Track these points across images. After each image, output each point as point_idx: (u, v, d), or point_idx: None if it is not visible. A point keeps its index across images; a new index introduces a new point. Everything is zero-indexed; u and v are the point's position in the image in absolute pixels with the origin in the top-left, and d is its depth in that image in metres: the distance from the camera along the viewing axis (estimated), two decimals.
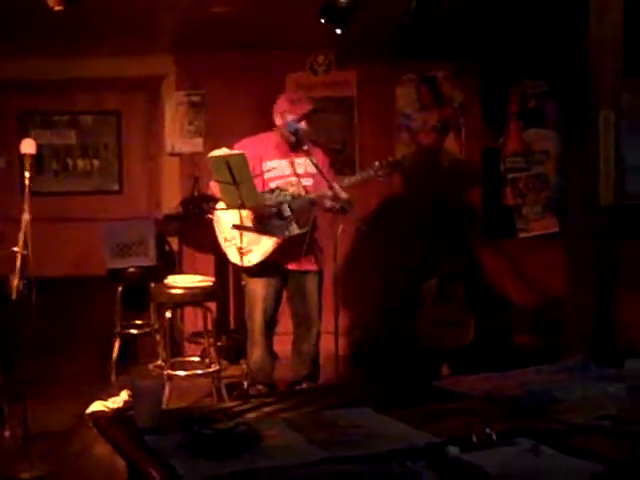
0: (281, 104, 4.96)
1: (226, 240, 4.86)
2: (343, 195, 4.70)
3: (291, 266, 4.91)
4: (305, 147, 4.77)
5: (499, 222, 6.65)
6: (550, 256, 6.47)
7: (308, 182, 4.90)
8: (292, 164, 4.91)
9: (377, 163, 4.95)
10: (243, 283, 4.90)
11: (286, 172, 4.90)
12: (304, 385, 5.02)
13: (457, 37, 5.91)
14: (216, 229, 4.97)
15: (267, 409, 2.77)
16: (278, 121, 4.92)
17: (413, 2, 4.72)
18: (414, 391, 3.02)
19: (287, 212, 4.76)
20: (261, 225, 4.73)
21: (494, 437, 2.30)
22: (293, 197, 4.79)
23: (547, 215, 6.59)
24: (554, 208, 6.58)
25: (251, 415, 2.69)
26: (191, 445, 2.35)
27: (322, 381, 5.14)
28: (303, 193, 4.83)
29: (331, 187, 4.64)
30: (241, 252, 4.57)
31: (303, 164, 4.89)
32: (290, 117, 4.84)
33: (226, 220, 4.82)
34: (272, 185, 4.85)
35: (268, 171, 4.85)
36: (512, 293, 6.57)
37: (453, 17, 5.39)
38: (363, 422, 2.55)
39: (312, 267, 4.96)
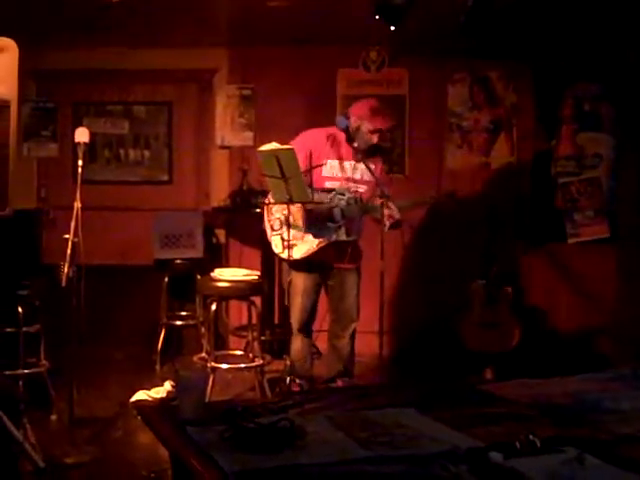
0: (362, 108, 4.87)
1: (273, 229, 4.86)
2: (397, 215, 4.67)
3: (332, 263, 4.90)
4: (355, 145, 4.76)
5: (549, 226, 6.56)
6: (600, 261, 6.38)
7: (362, 189, 4.87)
8: (351, 167, 4.87)
9: (433, 194, 4.94)
10: (289, 279, 4.90)
11: (340, 174, 4.86)
12: (339, 382, 5.00)
13: (511, 37, 5.85)
14: (265, 217, 4.95)
15: (310, 405, 2.77)
16: (354, 122, 4.83)
17: (469, 0, 4.68)
18: (458, 394, 3.00)
19: (339, 217, 4.75)
20: (310, 223, 4.73)
21: (538, 444, 2.27)
22: (348, 203, 4.78)
23: (598, 220, 6.49)
24: (606, 213, 6.48)
25: (294, 411, 2.69)
26: (233, 438, 2.36)
27: (365, 380, 5.13)
28: (358, 200, 4.82)
29: (388, 206, 4.60)
30: (286, 245, 4.59)
31: (360, 170, 4.85)
32: (366, 125, 4.79)
33: (277, 210, 4.82)
34: (327, 184, 4.84)
35: (322, 166, 4.83)
36: (561, 298, 6.48)
37: (507, 16, 5.33)
38: (406, 423, 2.54)
39: (352, 265, 4.94)
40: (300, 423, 2.48)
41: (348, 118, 4.83)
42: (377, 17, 4.82)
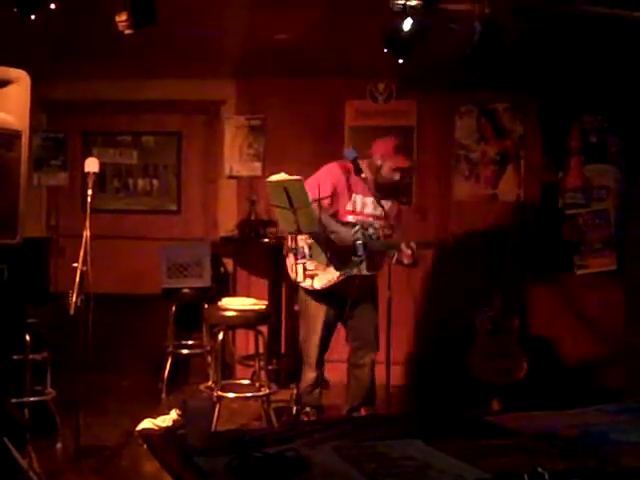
0: (386, 146, 4.94)
1: (296, 258, 4.87)
2: (415, 254, 4.73)
3: (352, 296, 4.90)
4: (363, 176, 4.80)
5: (557, 257, 6.56)
6: (608, 294, 6.37)
7: (378, 224, 4.91)
8: (371, 203, 4.90)
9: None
10: (296, 308, 4.91)
11: (365, 209, 4.91)
12: (362, 411, 5.01)
13: (518, 70, 5.89)
14: (287, 245, 4.97)
15: (317, 436, 2.76)
16: (376, 160, 4.91)
17: (476, 35, 4.71)
18: (465, 425, 2.99)
19: (361, 252, 4.77)
20: (332, 255, 4.76)
21: (546, 477, 2.25)
22: (371, 238, 4.81)
23: (606, 252, 6.49)
24: (614, 245, 6.48)
25: (301, 441, 2.69)
26: (240, 468, 2.36)
27: (373, 411, 5.11)
28: (380, 236, 4.85)
29: (410, 246, 4.68)
30: (309, 274, 4.62)
31: (379, 207, 4.88)
32: (389, 164, 4.86)
33: (302, 239, 4.83)
34: (349, 218, 4.86)
35: (347, 201, 4.87)
36: (568, 329, 6.46)
37: (514, 50, 5.37)
38: (414, 454, 2.53)
39: (371, 298, 4.99)
40: (307, 453, 2.48)
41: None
42: (385, 50, 4.86)
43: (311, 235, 4.70)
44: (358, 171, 4.84)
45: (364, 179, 4.81)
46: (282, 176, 4.67)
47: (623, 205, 6.49)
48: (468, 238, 6.08)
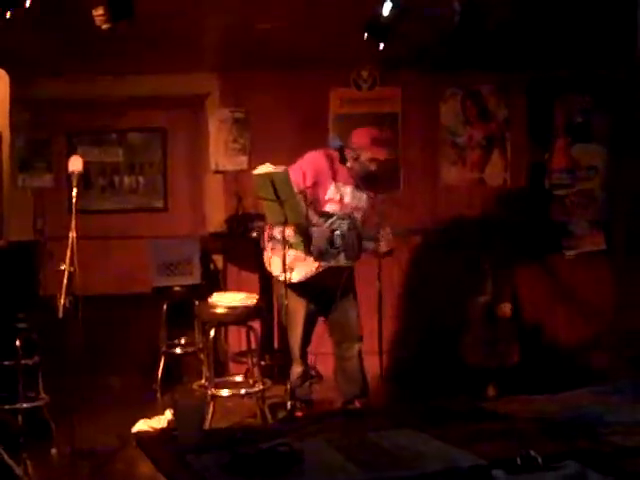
0: (363, 137, 4.91)
1: (272, 250, 4.84)
2: (392, 243, 4.72)
3: (331, 287, 4.87)
4: (349, 165, 4.77)
5: (545, 239, 6.55)
6: (597, 274, 6.38)
7: (358, 214, 4.91)
8: (349, 192, 4.89)
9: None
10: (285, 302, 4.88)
11: (343, 198, 4.88)
12: (357, 403, 4.97)
13: (503, 49, 5.86)
14: (265, 237, 4.94)
15: (309, 429, 2.74)
16: (354, 149, 4.87)
17: (456, 16, 4.70)
18: (459, 412, 2.97)
19: (338, 242, 4.75)
20: (311, 245, 4.73)
21: (540, 460, 2.24)
22: (349, 229, 4.78)
23: (594, 232, 6.49)
24: (601, 225, 6.48)
25: (293, 435, 2.67)
26: (233, 465, 2.34)
27: (367, 400, 5.09)
28: (358, 226, 4.83)
29: (386, 232, 4.66)
30: (286, 267, 4.58)
31: (357, 196, 4.89)
32: (365, 154, 4.83)
33: (279, 231, 4.80)
34: (327, 207, 4.84)
35: (327, 189, 4.84)
36: (558, 311, 6.46)
37: (499, 29, 5.35)
38: (407, 443, 2.51)
39: (350, 288, 4.97)
40: (299, 447, 2.45)
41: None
42: (366, 35, 4.84)
43: (298, 226, 4.66)
44: (343, 160, 4.83)
45: (349, 168, 4.79)
46: (267, 167, 4.66)
47: (610, 185, 6.48)
48: (456, 223, 6.08)
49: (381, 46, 4.91)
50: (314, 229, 4.71)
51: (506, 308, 5.88)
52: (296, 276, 4.75)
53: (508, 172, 6.62)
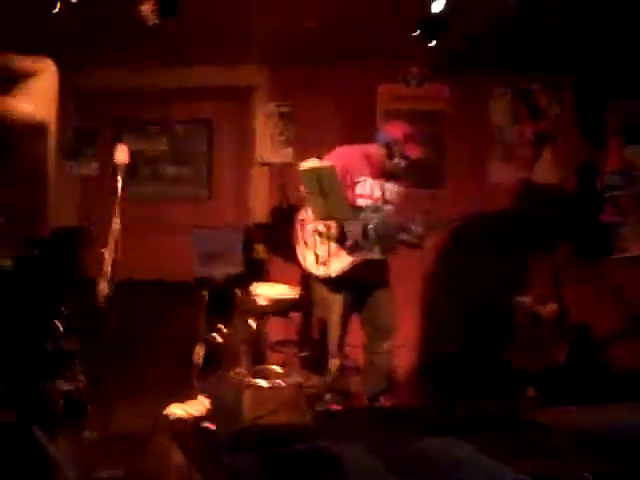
0: (396, 131, 4.88)
1: (306, 245, 4.84)
2: (422, 236, 4.72)
3: (366, 281, 4.85)
4: (396, 162, 4.75)
5: (595, 240, 6.43)
6: None
7: (389, 209, 4.88)
8: (381, 187, 4.87)
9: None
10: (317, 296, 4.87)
11: (374, 193, 4.87)
12: (381, 400, 4.92)
13: (554, 48, 5.76)
14: (298, 233, 4.94)
15: (348, 429, 2.71)
16: (386, 144, 4.85)
17: (512, 10, 4.63)
18: (500, 421, 2.91)
19: (372, 235, 4.72)
20: (345, 239, 4.70)
21: None
22: (382, 222, 4.74)
23: None
24: None
25: (331, 435, 2.64)
26: (268, 465, 2.31)
27: (403, 399, 5.05)
28: (391, 220, 4.80)
29: (416, 223, 4.65)
30: (321, 261, 4.57)
31: (390, 190, 4.88)
32: (397, 150, 4.81)
33: (312, 227, 4.80)
34: (359, 202, 4.80)
35: (357, 184, 4.81)
36: (607, 315, 6.34)
37: (552, 27, 5.27)
38: (447, 452, 2.46)
39: (385, 282, 4.95)
40: (337, 451, 2.42)
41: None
42: (417, 32, 4.80)
43: (339, 221, 4.64)
44: (390, 155, 4.80)
45: (396, 164, 4.76)
46: (315, 162, 4.65)
47: None
48: (502, 222, 6.00)
49: (433, 43, 4.86)
50: (347, 222, 4.68)
51: (552, 309, 5.79)
52: (331, 270, 4.72)
53: (558, 171, 6.51)
